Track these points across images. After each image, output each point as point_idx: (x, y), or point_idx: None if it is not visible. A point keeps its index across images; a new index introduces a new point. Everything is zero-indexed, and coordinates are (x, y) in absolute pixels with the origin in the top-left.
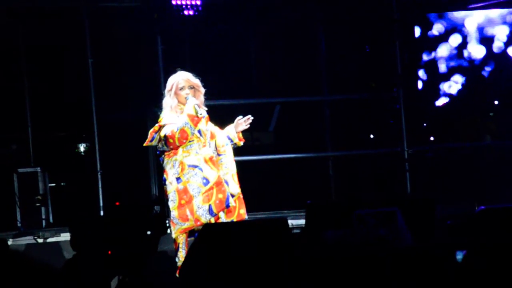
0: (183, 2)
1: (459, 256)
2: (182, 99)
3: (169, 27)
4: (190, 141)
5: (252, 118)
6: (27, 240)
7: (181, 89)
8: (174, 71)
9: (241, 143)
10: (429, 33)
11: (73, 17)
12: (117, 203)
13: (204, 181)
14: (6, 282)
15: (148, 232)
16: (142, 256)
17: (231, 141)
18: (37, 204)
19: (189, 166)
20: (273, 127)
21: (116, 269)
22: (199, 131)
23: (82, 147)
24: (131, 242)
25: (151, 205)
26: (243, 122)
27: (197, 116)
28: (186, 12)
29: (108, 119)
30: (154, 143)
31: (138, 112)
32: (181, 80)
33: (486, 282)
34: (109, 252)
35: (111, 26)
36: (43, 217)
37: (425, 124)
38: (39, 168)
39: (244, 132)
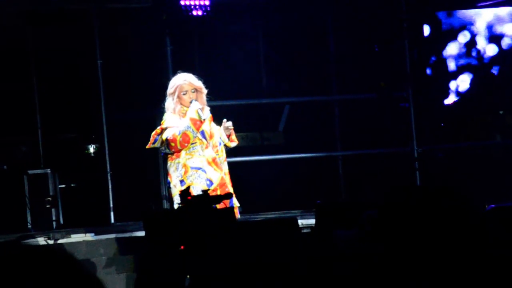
0: (192, 3)
1: None
2: (185, 103)
3: (177, 28)
4: (192, 143)
5: (229, 122)
6: (38, 241)
7: (184, 93)
8: (175, 73)
9: (232, 144)
10: (438, 31)
11: (82, 19)
12: (189, 197)
13: (208, 182)
14: (19, 284)
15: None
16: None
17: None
18: (48, 206)
19: (192, 168)
20: (282, 127)
21: (189, 267)
22: (202, 133)
23: (91, 148)
24: (202, 238)
25: (221, 198)
26: (226, 128)
27: (200, 120)
28: (194, 13)
29: (118, 120)
30: (156, 145)
31: (147, 112)
32: (184, 84)
33: (497, 281)
34: (182, 247)
35: (120, 27)
36: (54, 218)
37: (434, 123)
38: (49, 169)
39: (253, 131)
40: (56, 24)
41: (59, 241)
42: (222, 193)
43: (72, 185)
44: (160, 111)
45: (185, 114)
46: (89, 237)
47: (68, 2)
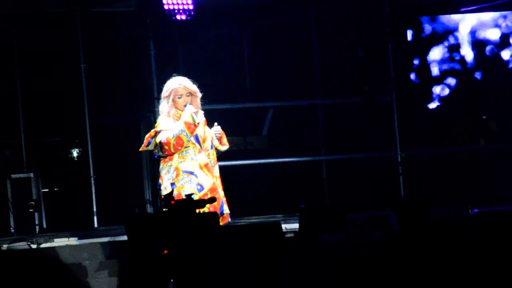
0: (176, 7)
1: None
2: (179, 106)
3: (161, 32)
4: (186, 147)
5: (217, 127)
6: (21, 246)
7: (179, 97)
8: (170, 76)
9: (223, 148)
10: (422, 36)
11: (66, 22)
12: (172, 202)
13: (199, 187)
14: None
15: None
16: (197, 257)
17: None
18: (31, 210)
19: (184, 172)
20: (266, 131)
21: (172, 271)
22: (196, 137)
23: (75, 152)
24: (185, 242)
25: (205, 203)
26: (216, 133)
27: (194, 124)
28: (178, 17)
29: (101, 124)
30: (150, 148)
31: (131, 116)
32: (179, 88)
33: (479, 284)
34: (165, 251)
35: (104, 31)
36: (37, 222)
37: (418, 128)
38: (32, 173)
39: (237, 136)
40: (40, 27)
41: (42, 246)
42: None
43: (55, 189)
44: (144, 115)
45: (179, 117)
46: (72, 241)
47: (52, 6)
